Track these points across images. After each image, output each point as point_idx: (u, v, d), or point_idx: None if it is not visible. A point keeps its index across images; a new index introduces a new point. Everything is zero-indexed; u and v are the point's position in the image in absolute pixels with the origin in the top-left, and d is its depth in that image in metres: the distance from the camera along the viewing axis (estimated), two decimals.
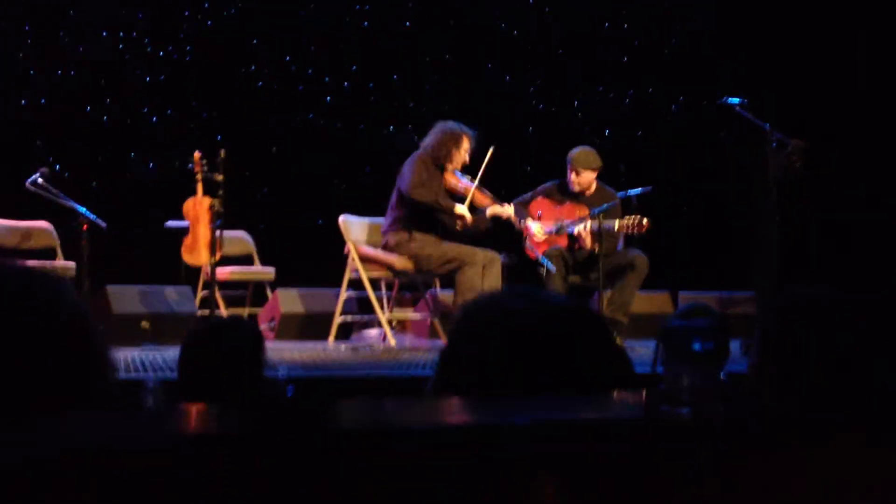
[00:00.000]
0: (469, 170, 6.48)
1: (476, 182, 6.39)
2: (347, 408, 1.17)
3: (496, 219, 6.45)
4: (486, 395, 1.33)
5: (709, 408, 0.92)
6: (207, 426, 1.08)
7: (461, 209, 6.30)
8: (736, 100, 6.28)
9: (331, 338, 6.78)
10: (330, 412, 1.11)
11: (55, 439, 0.99)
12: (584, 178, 6.68)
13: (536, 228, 6.68)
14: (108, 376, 1.35)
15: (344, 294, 6.77)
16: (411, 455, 0.96)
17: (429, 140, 6.47)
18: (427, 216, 6.37)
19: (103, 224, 6.59)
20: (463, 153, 6.41)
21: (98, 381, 1.32)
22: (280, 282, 7.80)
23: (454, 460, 0.96)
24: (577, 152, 6.72)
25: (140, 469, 0.91)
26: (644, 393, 0.95)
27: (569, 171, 6.70)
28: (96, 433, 1.04)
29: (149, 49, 8.87)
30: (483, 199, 6.42)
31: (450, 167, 6.41)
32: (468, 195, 6.35)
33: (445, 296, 7.31)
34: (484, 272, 6.20)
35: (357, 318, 7.46)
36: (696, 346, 0.93)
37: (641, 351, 6.07)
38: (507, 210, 6.41)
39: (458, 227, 6.36)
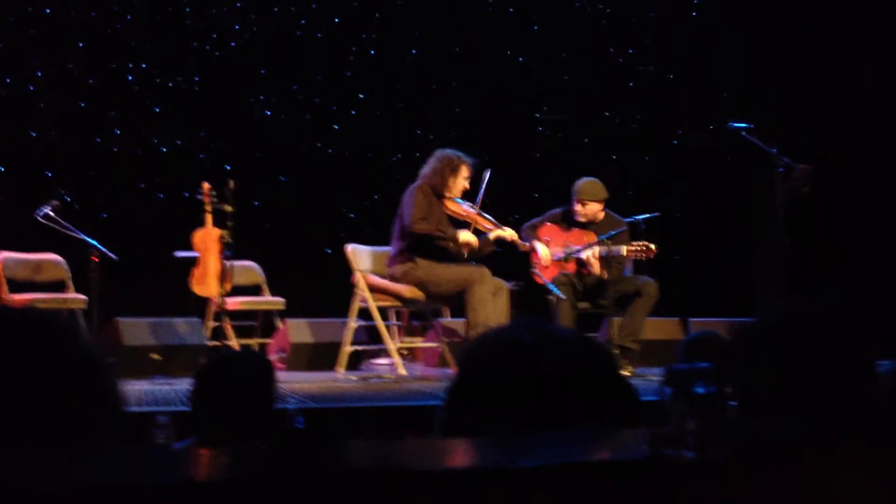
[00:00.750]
0: (469, 195, 6.50)
1: (477, 207, 6.40)
2: (357, 449, 1.18)
3: (501, 242, 6.46)
4: (494, 428, 1.34)
5: (712, 451, 0.93)
6: (217, 467, 1.09)
7: (465, 236, 6.30)
8: (743, 124, 6.29)
9: (340, 368, 6.78)
10: (339, 453, 1.11)
11: (68, 473, 1.00)
12: (590, 210, 6.69)
13: (544, 252, 6.68)
14: (117, 413, 1.36)
15: (353, 324, 6.77)
16: (421, 498, 0.96)
17: (427, 169, 6.49)
18: (431, 244, 6.37)
19: (115, 257, 6.62)
20: (461, 180, 6.42)
21: (108, 417, 1.33)
22: (289, 312, 7.81)
23: (463, 502, 0.97)
24: (581, 184, 6.73)
25: None
26: (650, 434, 0.96)
27: (574, 202, 6.71)
28: (110, 469, 1.05)
29: (157, 80, 8.92)
30: (485, 223, 6.44)
31: (448, 195, 6.43)
32: (471, 221, 6.37)
33: (455, 324, 7.31)
34: (493, 295, 6.19)
35: (367, 347, 7.46)
36: (699, 390, 0.93)
37: (653, 378, 6.05)
38: (510, 232, 6.43)
39: (465, 253, 6.36)
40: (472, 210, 6.40)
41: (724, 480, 0.92)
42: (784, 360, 1.69)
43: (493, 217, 6.52)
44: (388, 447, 1.16)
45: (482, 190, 6.41)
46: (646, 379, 5.95)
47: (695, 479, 0.91)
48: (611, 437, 1.19)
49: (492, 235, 6.41)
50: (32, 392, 1.25)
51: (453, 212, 6.46)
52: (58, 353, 1.27)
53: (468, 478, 0.95)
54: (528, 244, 6.59)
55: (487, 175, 6.40)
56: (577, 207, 6.69)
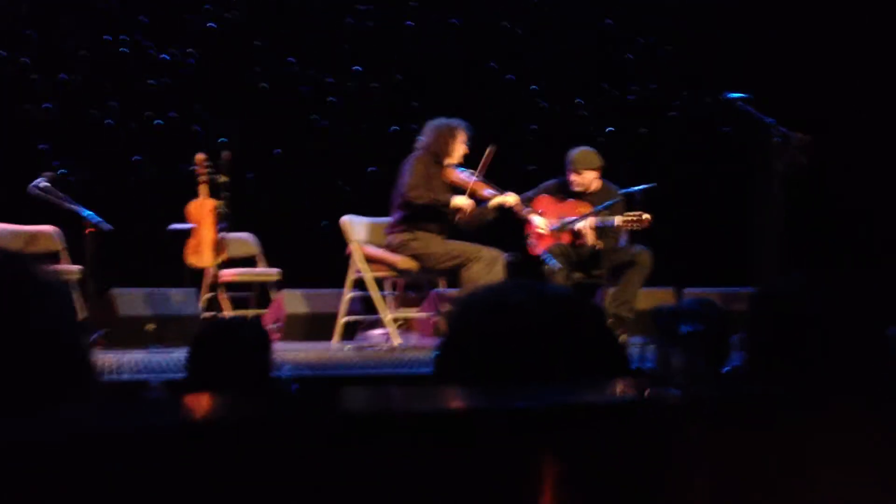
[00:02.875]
0: (468, 165, 6.50)
1: (477, 175, 6.41)
2: (349, 394, 1.18)
3: (501, 209, 6.47)
4: (483, 384, 1.34)
5: (697, 388, 0.93)
6: (213, 412, 1.09)
7: (458, 200, 6.32)
8: (739, 95, 6.28)
9: (336, 338, 6.79)
10: (332, 398, 1.11)
11: (62, 424, 0.99)
12: (585, 178, 6.69)
13: (540, 222, 6.69)
14: (89, 376, 1.33)
15: (348, 294, 6.78)
16: (413, 439, 0.96)
17: (424, 139, 6.51)
18: (429, 215, 6.39)
19: (109, 226, 6.61)
20: (460, 145, 6.45)
21: (80, 380, 1.30)
22: (285, 283, 7.81)
23: (454, 444, 0.97)
24: (576, 153, 6.74)
25: (146, 453, 0.92)
26: (637, 375, 0.96)
27: (569, 171, 6.71)
28: (104, 418, 1.05)
29: (152, 52, 8.89)
30: (485, 192, 6.44)
31: (449, 161, 6.44)
32: (468, 188, 6.37)
33: (450, 294, 7.32)
34: (488, 269, 6.21)
35: (362, 318, 7.47)
36: (684, 328, 0.93)
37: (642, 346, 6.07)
38: (510, 198, 6.42)
39: (458, 219, 6.38)
40: (470, 178, 6.41)
41: (713, 419, 0.92)
42: (797, 326, 1.70)
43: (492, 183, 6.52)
44: (382, 393, 1.17)
45: (484, 163, 6.40)
46: (639, 348, 5.97)
47: (683, 418, 0.91)
48: (599, 382, 1.20)
49: (492, 203, 6.42)
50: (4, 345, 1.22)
51: (452, 180, 6.47)
52: (23, 304, 1.24)
53: (460, 418, 0.95)
54: (528, 210, 6.60)
55: (489, 151, 6.39)
56: (573, 177, 6.70)
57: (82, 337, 1.31)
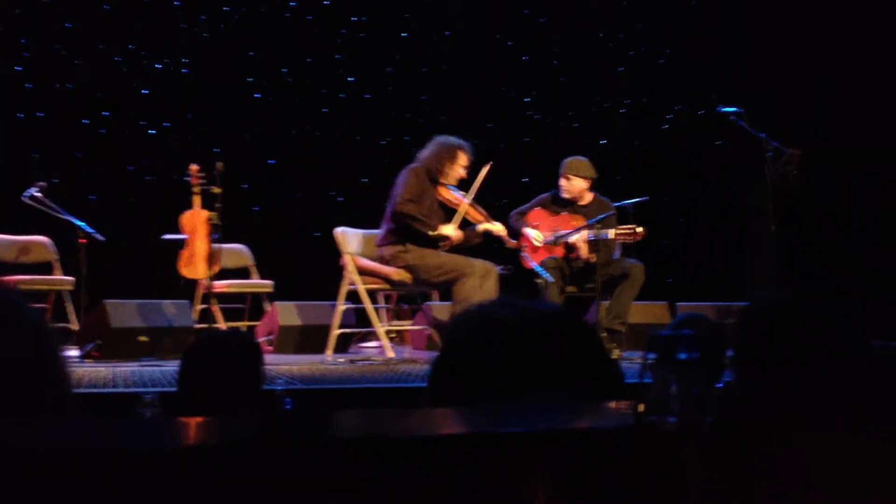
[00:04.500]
0: (464, 184, 6.47)
1: (470, 198, 6.38)
2: (343, 418, 1.18)
3: (487, 235, 6.44)
4: (475, 402, 1.34)
5: (695, 416, 0.93)
6: (208, 435, 1.09)
7: (446, 230, 6.26)
8: (732, 109, 6.30)
9: (329, 350, 6.78)
10: (326, 422, 1.11)
11: (48, 439, 0.99)
12: (574, 186, 6.70)
13: (535, 234, 6.70)
14: (62, 389, 1.31)
15: (341, 306, 6.76)
16: (407, 464, 0.96)
17: (425, 153, 6.46)
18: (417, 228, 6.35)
19: (101, 237, 6.61)
20: (458, 168, 6.39)
21: (52, 393, 1.28)
22: (278, 295, 7.80)
23: (449, 469, 0.97)
24: (570, 159, 6.79)
25: (137, 473, 0.91)
26: (632, 402, 0.96)
27: (560, 176, 6.75)
28: (97, 437, 1.04)
29: (146, 62, 8.89)
30: (476, 214, 6.42)
31: (444, 181, 6.40)
32: (461, 210, 6.34)
33: (443, 307, 7.31)
34: (480, 283, 6.19)
35: (355, 330, 7.45)
36: (682, 355, 0.94)
37: (640, 361, 6.07)
38: (499, 228, 6.39)
39: (441, 246, 6.33)
40: (464, 199, 6.37)
41: (709, 446, 0.92)
42: (784, 340, 1.71)
43: (485, 206, 6.50)
44: (375, 416, 1.17)
45: (477, 182, 6.38)
46: (633, 362, 5.97)
47: (679, 445, 0.91)
48: (595, 406, 1.20)
49: (480, 228, 6.40)
50: None
51: (445, 199, 6.43)
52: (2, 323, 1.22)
53: (453, 444, 0.95)
54: (514, 242, 6.58)
55: (486, 169, 6.37)
56: (561, 181, 6.73)
57: (47, 349, 1.29)
